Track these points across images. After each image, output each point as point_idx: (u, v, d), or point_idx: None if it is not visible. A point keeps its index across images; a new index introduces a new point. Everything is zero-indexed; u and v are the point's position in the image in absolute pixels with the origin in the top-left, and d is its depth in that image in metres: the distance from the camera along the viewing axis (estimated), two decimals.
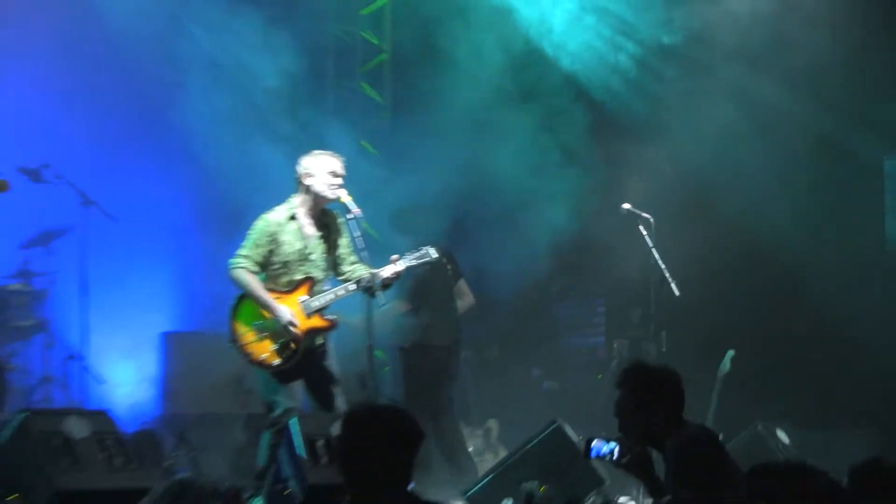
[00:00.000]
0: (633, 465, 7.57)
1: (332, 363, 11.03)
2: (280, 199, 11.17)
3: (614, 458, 7.54)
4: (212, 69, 15.84)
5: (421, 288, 13.38)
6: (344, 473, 5.76)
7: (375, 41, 17.84)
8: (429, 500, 5.87)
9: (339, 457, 5.85)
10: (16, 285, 14.16)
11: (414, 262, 10.99)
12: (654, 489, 7.62)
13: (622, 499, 11.20)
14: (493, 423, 14.37)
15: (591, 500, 10.85)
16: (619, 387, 7.65)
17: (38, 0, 15.57)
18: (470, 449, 14.21)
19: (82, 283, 14.18)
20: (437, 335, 13.64)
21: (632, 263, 13.75)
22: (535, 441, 11.47)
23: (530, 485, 10.74)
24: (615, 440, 7.51)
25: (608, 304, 16.54)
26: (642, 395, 7.54)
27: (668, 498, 6.17)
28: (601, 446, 7.54)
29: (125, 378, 15.43)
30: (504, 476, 11.27)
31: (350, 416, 5.97)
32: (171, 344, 15.71)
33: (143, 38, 15.81)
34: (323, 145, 11.95)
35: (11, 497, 8.88)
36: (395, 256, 10.88)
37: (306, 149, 12.02)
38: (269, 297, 10.75)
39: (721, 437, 12.34)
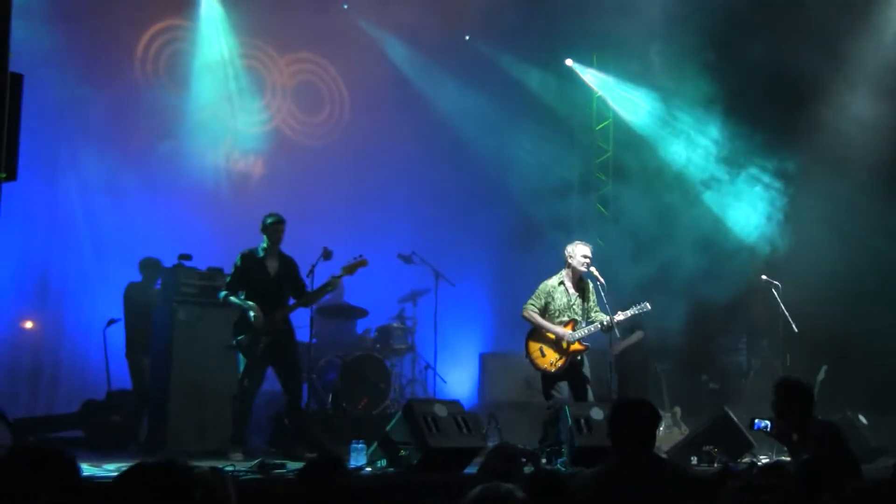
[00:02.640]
0: (780, 434, 7.58)
1: (586, 372, 11.08)
2: (553, 267, 11.36)
3: (768, 430, 7.55)
4: (517, 172, 16.31)
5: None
6: (613, 439, 5.79)
7: (603, 178, 17.81)
8: (660, 456, 5.90)
9: (611, 428, 5.87)
10: (395, 324, 14.36)
11: (636, 312, 11.07)
12: (792, 450, 7.57)
13: (763, 457, 10.95)
14: (677, 409, 14.10)
15: (746, 457, 10.70)
16: (774, 391, 7.60)
17: (407, 128, 15.83)
18: (662, 426, 14.04)
19: (435, 323, 14.25)
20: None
21: (762, 311, 13.47)
22: (711, 422, 11.31)
23: (708, 447, 10.64)
24: (768, 419, 7.52)
25: (748, 336, 16.16)
26: (787, 397, 7.50)
27: (806, 456, 6.04)
28: (760, 423, 7.60)
29: (459, 380, 15.56)
30: (693, 442, 11.14)
31: (619, 404, 6.02)
32: (486, 360, 15.74)
33: (480, 156, 16.25)
34: (576, 236, 12.06)
35: (403, 452, 9.05)
36: (620, 312, 10.96)
37: (570, 233, 12.24)
38: (549, 324, 10.97)
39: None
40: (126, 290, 12.44)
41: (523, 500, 3.92)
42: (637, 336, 14.02)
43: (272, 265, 10.90)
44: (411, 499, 7.73)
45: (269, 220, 10.91)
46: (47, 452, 3.99)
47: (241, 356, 10.65)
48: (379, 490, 8.15)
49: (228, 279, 10.89)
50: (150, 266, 12.51)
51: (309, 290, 11.09)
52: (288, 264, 11.04)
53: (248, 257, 10.87)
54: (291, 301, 10.96)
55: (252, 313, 10.56)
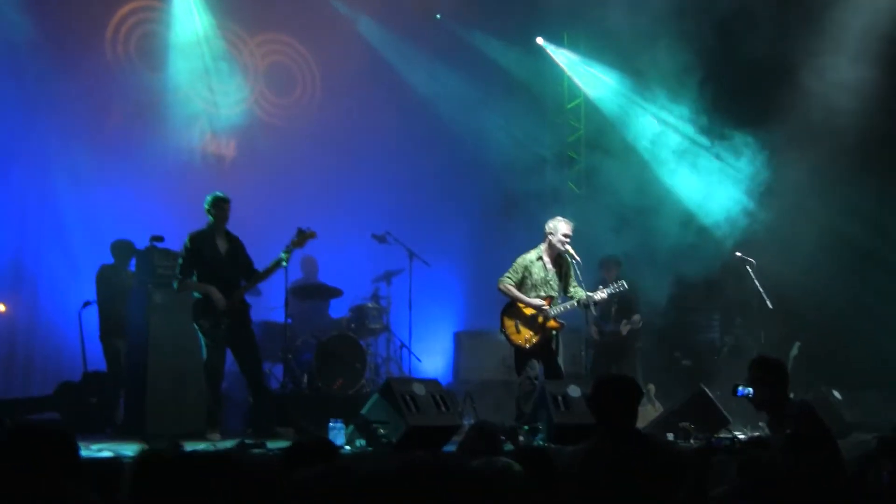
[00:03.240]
0: (761, 402, 7.53)
1: (560, 349, 11.16)
2: (527, 246, 11.42)
3: (750, 396, 7.50)
4: (490, 151, 16.34)
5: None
6: (597, 416, 5.80)
7: (575, 156, 17.85)
8: (641, 431, 5.92)
9: (594, 405, 5.88)
10: (370, 304, 14.27)
11: (613, 291, 11.12)
12: (773, 420, 7.54)
13: (738, 433, 10.96)
14: (651, 386, 14.10)
15: (722, 433, 10.68)
16: (749, 369, 7.59)
17: (380, 108, 15.76)
18: None
19: (409, 302, 14.21)
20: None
21: (736, 289, 13.53)
22: (688, 398, 11.33)
23: (684, 424, 10.66)
24: (751, 387, 7.47)
25: (721, 313, 16.19)
26: (762, 375, 7.49)
27: (789, 431, 6.08)
28: (743, 390, 7.55)
29: (434, 359, 15.58)
30: (668, 419, 11.17)
31: (601, 380, 6.02)
32: (460, 338, 15.81)
33: (454, 135, 16.25)
34: (550, 214, 12.01)
35: (381, 430, 9.06)
36: (600, 288, 11.00)
37: (544, 211, 12.22)
38: (526, 297, 11.02)
39: (793, 395, 12.27)
40: (99, 273, 12.36)
41: (520, 473, 3.93)
42: (637, 318, 13.94)
43: (222, 245, 10.87)
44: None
45: (214, 200, 10.85)
46: (48, 431, 3.98)
47: (201, 340, 10.61)
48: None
49: (180, 264, 10.79)
50: (122, 248, 12.42)
51: (258, 268, 11.01)
52: (235, 243, 11.01)
53: (198, 239, 10.80)
54: (243, 282, 10.92)
55: (214, 295, 10.53)
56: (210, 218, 10.84)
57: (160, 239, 11.68)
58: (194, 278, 10.68)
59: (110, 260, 12.41)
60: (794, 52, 14.46)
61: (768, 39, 14.21)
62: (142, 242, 11.92)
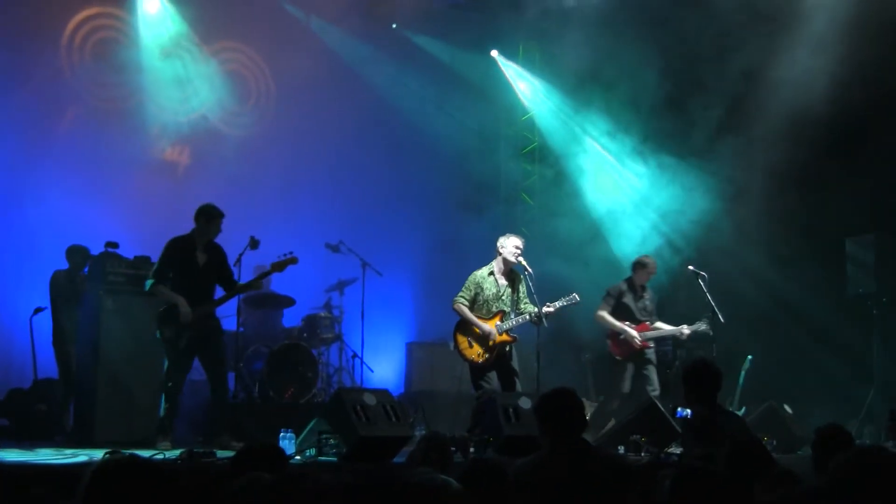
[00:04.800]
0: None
1: (514, 362, 11.23)
2: (479, 257, 11.58)
3: (688, 418, 7.66)
4: (445, 162, 16.45)
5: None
6: (544, 427, 5.85)
7: (529, 167, 17.93)
8: (588, 442, 5.99)
9: (542, 416, 5.92)
10: (322, 313, 14.34)
11: (564, 303, 11.24)
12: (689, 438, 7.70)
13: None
14: (603, 398, 14.24)
15: (673, 447, 10.75)
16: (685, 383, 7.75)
17: (335, 117, 15.70)
18: (588, 415, 14.09)
19: (362, 311, 14.26)
20: None
21: (690, 301, 13.62)
22: (639, 412, 11.42)
23: (635, 437, 10.72)
24: (689, 409, 7.64)
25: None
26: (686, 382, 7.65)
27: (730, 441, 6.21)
28: (682, 411, 7.72)
29: (386, 369, 15.65)
30: (620, 432, 11.24)
31: (543, 395, 6.09)
32: (412, 349, 15.94)
33: (409, 145, 16.42)
34: (506, 226, 12.09)
35: (332, 440, 9.09)
36: (549, 303, 11.10)
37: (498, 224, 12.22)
38: (477, 320, 11.10)
39: (745, 409, 12.40)
40: (52, 278, 12.32)
41: (458, 491, 3.95)
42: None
43: (201, 256, 10.84)
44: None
45: (203, 210, 10.84)
46: None
47: (164, 348, 10.61)
48: None
49: (155, 267, 10.79)
50: (76, 253, 12.38)
51: (236, 279, 11.05)
52: (217, 254, 10.98)
53: (177, 245, 10.77)
54: (220, 292, 10.93)
55: (181, 308, 10.51)
56: (196, 226, 10.83)
57: (115, 245, 11.66)
58: (168, 285, 10.66)
59: (62, 265, 12.37)
60: (755, 52, 14.32)
61: (728, 42, 14.18)
62: (95, 248, 11.90)
